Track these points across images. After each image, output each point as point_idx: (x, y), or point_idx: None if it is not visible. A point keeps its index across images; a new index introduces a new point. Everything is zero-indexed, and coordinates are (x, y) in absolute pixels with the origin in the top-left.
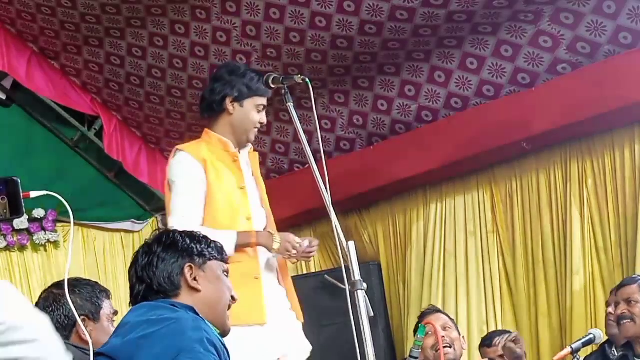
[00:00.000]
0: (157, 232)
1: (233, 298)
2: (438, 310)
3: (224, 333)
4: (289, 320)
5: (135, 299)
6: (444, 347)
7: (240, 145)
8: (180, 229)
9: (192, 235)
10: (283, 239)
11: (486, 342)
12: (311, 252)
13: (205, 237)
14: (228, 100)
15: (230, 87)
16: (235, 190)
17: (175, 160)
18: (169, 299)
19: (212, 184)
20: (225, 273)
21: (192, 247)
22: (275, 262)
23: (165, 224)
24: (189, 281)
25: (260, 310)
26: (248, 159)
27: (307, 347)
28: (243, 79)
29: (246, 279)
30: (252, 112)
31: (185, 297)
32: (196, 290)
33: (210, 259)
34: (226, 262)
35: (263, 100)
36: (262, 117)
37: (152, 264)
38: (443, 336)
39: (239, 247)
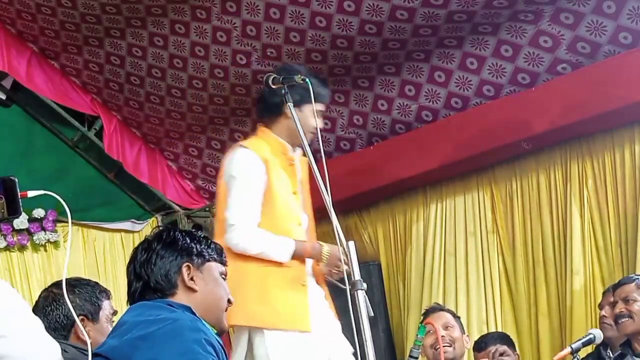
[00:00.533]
0: (158, 229)
1: (229, 301)
2: (442, 309)
3: (221, 331)
4: (332, 323)
5: (132, 297)
6: (444, 345)
7: (294, 150)
8: (239, 227)
9: (192, 235)
10: (332, 255)
11: (475, 346)
12: None
13: (205, 238)
14: (291, 107)
15: (296, 92)
16: (290, 194)
17: (238, 156)
18: (166, 299)
19: (273, 185)
20: (223, 275)
21: (191, 247)
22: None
23: (164, 223)
24: (185, 281)
25: (305, 318)
26: (299, 163)
27: (349, 347)
28: (307, 84)
29: (294, 284)
30: (310, 117)
31: (181, 297)
32: (192, 290)
33: (209, 260)
34: (225, 265)
35: (322, 106)
36: (320, 123)
37: (150, 261)
38: (443, 335)
39: (294, 257)
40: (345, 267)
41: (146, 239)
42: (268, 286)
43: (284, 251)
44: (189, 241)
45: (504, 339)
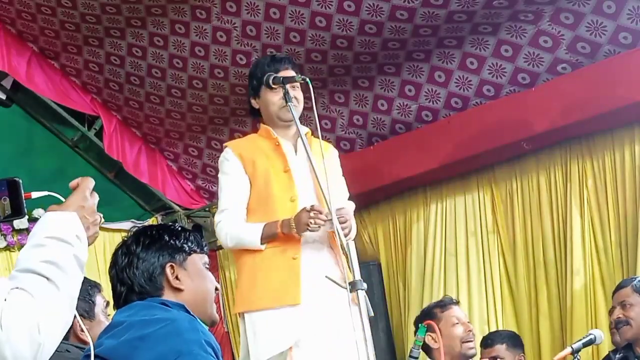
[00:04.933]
0: (135, 229)
1: (216, 289)
2: (457, 302)
3: (212, 324)
4: (333, 298)
5: (117, 301)
6: (469, 340)
7: (283, 129)
8: (217, 225)
9: (170, 230)
10: (297, 217)
11: (482, 342)
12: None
13: (183, 230)
14: (253, 100)
15: (251, 87)
16: (280, 174)
17: (220, 157)
18: (157, 298)
19: (251, 175)
20: (206, 265)
21: (171, 244)
22: (325, 238)
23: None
24: (170, 281)
25: (295, 291)
26: (307, 141)
27: (343, 319)
28: (255, 73)
29: (284, 260)
30: (269, 98)
31: (168, 297)
32: (179, 289)
33: (190, 254)
34: (206, 254)
35: (278, 80)
36: (290, 92)
37: (132, 265)
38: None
39: (267, 239)
40: (320, 220)
41: (124, 242)
42: (257, 269)
43: (254, 238)
44: (167, 238)
45: (512, 338)
